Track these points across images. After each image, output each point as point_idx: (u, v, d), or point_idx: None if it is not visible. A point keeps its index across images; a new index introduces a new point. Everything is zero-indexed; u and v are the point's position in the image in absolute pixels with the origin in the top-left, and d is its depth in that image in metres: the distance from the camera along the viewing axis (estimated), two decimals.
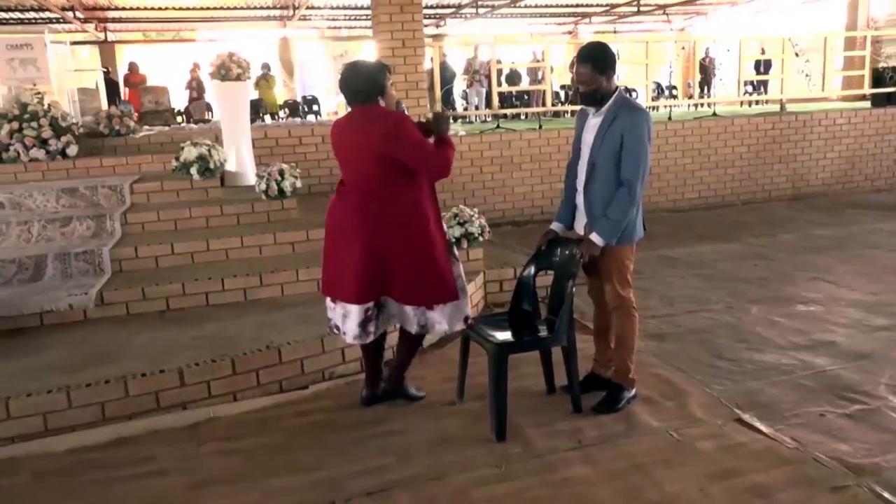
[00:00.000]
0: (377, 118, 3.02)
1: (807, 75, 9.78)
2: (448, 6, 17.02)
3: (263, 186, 5.48)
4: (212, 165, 5.79)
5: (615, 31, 22.13)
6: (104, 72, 12.92)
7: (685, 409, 3.31)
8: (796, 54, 9.70)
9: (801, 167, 9.06)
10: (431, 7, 16.71)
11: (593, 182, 3.14)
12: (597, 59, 3.08)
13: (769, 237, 6.92)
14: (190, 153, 5.75)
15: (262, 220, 5.47)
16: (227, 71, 6.29)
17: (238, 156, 6.47)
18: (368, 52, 22.21)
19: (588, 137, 3.18)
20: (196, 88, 14.70)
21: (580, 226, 3.28)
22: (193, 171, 5.74)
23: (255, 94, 13.89)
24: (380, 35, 6.95)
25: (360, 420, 3.33)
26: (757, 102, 13.01)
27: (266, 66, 14.61)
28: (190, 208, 5.38)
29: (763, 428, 3.09)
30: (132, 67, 15.03)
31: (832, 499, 2.59)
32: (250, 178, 6.40)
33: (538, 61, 15.15)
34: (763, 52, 13.38)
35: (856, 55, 11.71)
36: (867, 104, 10.16)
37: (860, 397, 3.40)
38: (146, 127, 8.71)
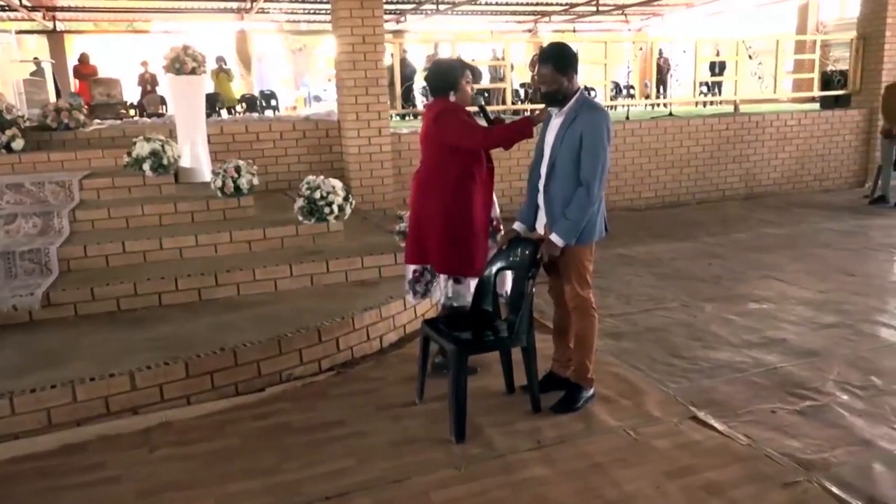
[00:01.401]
0: (435, 108, 3.52)
1: (759, 77, 10.00)
2: (409, 2, 16.96)
3: (219, 183, 5.37)
4: (165, 161, 5.65)
5: (574, 31, 22.34)
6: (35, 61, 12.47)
7: (642, 407, 3.34)
8: (750, 56, 9.91)
9: (753, 167, 9.27)
10: (392, 3, 16.63)
11: (553, 182, 3.15)
12: (558, 60, 3.08)
13: (723, 236, 7.06)
14: (143, 148, 5.60)
15: (218, 218, 5.36)
16: (182, 64, 6.14)
17: (193, 151, 6.33)
18: (329, 46, 22.01)
19: (549, 137, 3.18)
20: (149, 81, 14.35)
21: (541, 226, 3.29)
22: (146, 166, 5.60)
23: (211, 88, 13.63)
24: (339, 30, 6.86)
25: (319, 422, 3.28)
26: (711, 103, 13.27)
27: (222, 60, 14.34)
28: (142, 205, 5.24)
29: (717, 425, 3.14)
30: (83, 58, 14.59)
31: (784, 495, 2.64)
32: (206, 174, 6.27)
33: (498, 59, 15.22)
34: (718, 54, 13.67)
35: (805, 58, 12.05)
36: (816, 106, 10.45)
37: (810, 394, 3.49)
38: (97, 120, 8.45)
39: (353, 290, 4.56)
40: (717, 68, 14.18)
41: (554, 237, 3.09)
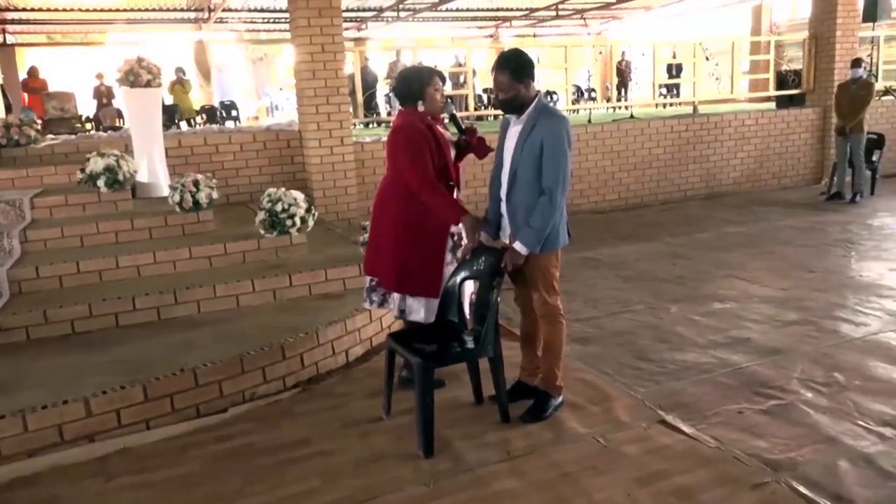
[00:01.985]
0: (398, 119, 3.44)
1: (716, 78, 10.16)
2: (369, 9, 16.89)
3: (177, 198, 5.24)
4: (121, 177, 5.50)
5: (535, 35, 22.48)
6: None
7: (611, 413, 3.33)
8: (706, 58, 10.06)
9: (713, 167, 9.39)
10: (352, 10, 16.54)
11: (515, 190, 3.13)
12: (514, 67, 3.06)
13: (686, 236, 7.12)
14: (97, 164, 5.45)
15: (177, 234, 5.23)
16: (136, 77, 6.00)
17: (150, 166, 6.18)
18: (289, 55, 21.83)
19: (509, 145, 3.16)
20: (105, 94, 14.05)
21: (506, 234, 3.26)
22: (101, 183, 5.44)
23: (170, 100, 13.39)
24: (298, 39, 6.78)
25: (283, 442, 3.20)
26: (671, 105, 13.43)
27: (180, 71, 14.10)
28: (97, 223, 5.09)
29: (685, 429, 3.15)
30: (31, 72, 14.24)
31: (753, 496, 2.65)
32: (164, 189, 6.12)
33: (460, 65, 15.24)
34: (674, 56, 13.86)
35: (761, 59, 12.29)
36: (772, 105, 10.65)
37: (775, 392, 3.51)
38: (50, 136, 8.23)
39: (317, 303, 4.49)
40: (675, 70, 14.41)
41: (518, 246, 3.07)
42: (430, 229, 3.37)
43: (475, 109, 10.00)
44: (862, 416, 3.24)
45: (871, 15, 10.15)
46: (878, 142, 8.99)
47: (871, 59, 10.70)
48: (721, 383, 3.64)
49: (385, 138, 8.04)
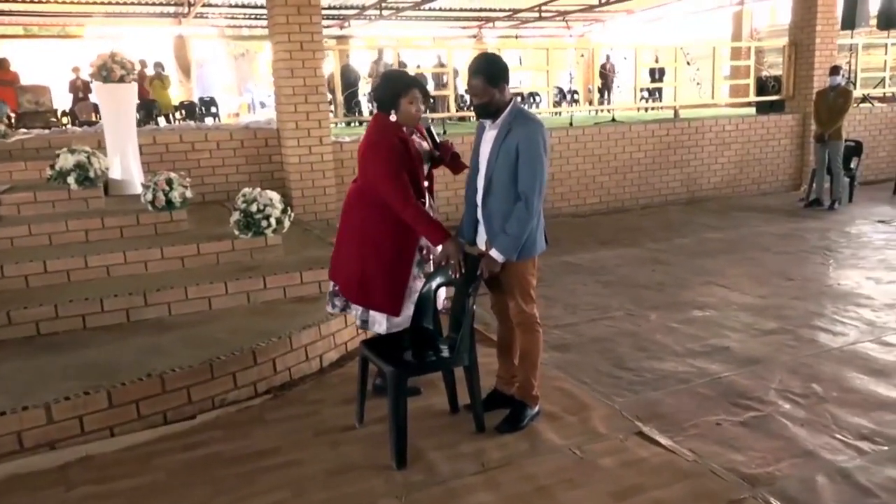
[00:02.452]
0: (372, 124, 3.32)
1: (698, 83, 10.19)
2: (352, 7, 16.77)
3: (150, 197, 5.13)
4: (92, 174, 5.38)
5: (517, 37, 22.47)
6: None
7: (588, 423, 3.28)
8: (688, 63, 10.09)
9: (694, 172, 9.41)
10: (335, 8, 16.42)
11: (491, 196, 3.07)
12: (488, 72, 3.00)
13: (666, 241, 7.12)
14: (66, 161, 5.32)
15: (149, 233, 5.12)
16: (109, 72, 5.86)
17: (123, 163, 6.05)
18: (270, 52, 21.61)
19: (485, 150, 3.10)
20: (81, 88, 13.80)
21: (482, 241, 3.20)
22: (71, 180, 5.31)
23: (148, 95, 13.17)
24: (276, 37, 6.67)
25: (253, 451, 3.11)
26: (652, 108, 13.48)
27: (159, 66, 13.87)
28: (66, 221, 4.96)
29: (663, 441, 3.10)
30: (2, 63, 13.90)
31: None
32: (137, 186, 5.98)
33: (443, 65, 15.16)
34: (657, 61, 13.90)
35: (741, 64, 12.36)
36: (752, 111, 10.71)
37: (753, 403, 3.48)
38: (22, 130, 8.05)
39: (291, 306, 4.40)
40: (657, 74, 14.45)
41: (494, 253, 3.00)
42: (395, 242, 3.25)
43: (457, 110, 9.92)
44: (840, 429, 3.21)
45: (849, 22, 10.25)
46: (856, 149, 9.06)
47: (850, 66, 10.81)
48: (699, 394, 3.61)
49: None
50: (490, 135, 3.06)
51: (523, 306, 3.13)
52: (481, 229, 3.20)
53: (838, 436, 3.16)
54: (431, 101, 15.18)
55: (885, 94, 11.24)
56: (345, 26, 18.93)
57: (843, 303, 5.03)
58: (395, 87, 3.25)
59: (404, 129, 3.29)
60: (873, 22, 11.42)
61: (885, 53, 11.08)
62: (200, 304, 4.33)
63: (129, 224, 5.09)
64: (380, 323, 3.40)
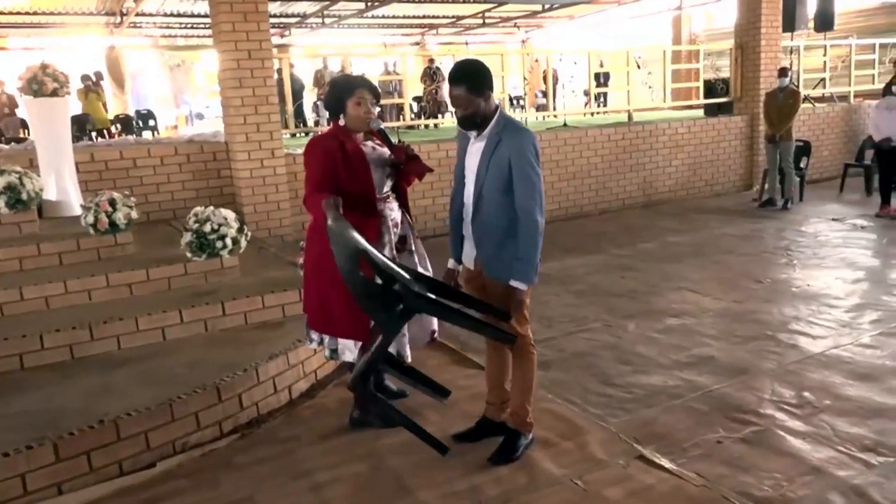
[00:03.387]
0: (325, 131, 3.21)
1: (650, 87, 10.22)
2: (293, 15, 16.38)
3: (91, 220, 4.72)
4: (24, 196, 4.95)
5: (467, 44, 22.39)
6: None
7: (585, 449, 3.08)
8: (638, 66, 10.11)
9: (649, 175, 9.41)
10: (275, 16, 15.98)
11: (481, 212, 2.84)
12: (471, 80, 2.77)
13: (631, 246, 7.03)
14: None
15: (91, 259, 4.72)
16: (41, 85, 5.44)
17: (59, 183, 5.62)
18: (208, 61, 20.94)
19: (472, 164, 2.87)
20: (7, 104, 13.00)
21: (469, 258, 2.97)
22: (1, 203, 4.87)
23: (79, 109, 12.48)
24: (222, 45, 6.32)
25: (222, 500, 2.80)
26: (601, 113, 13.47)
27: (88, 78, 13.14)
28: None
29: (666, 464, 2.93)
30: None
31: None
32: (75, 208, 5.57)
33: (389, 73, 14.92)
34: (601, 65, 13.95)
35: (687, 67, 12.50)
36: (699, 113, 10.81)
37: (750, 417, 3.36)
38: None
39: (254, 333, 4.08)
40: (602, 78, 14.53)
41: (515, 284, 2.77)
42: (326, 258, 2.85)
43: (410, 119, 9.70)
44: (842, 441, 3.11)
45: (789, 25, 10.45)
46: (804, 149, 9.22)
47: (792, 67, 11.03)
48: (694, 409, 3.46)
49: None
50: (477, 147, 2.84)
51: (517, 328, 2.92)
52: (468, 246, 2.97)
53: (841, 448, 3.05)
54: (380, 108, 14.96)
55: (823, 94, 11.53)
56: (286, 35, 18.49)
57: (816, 304, 5.00)
58: (340, 90, 3.10)
59: (357, 134, 3.10)
60: (811, 24, 11.72)
61: (824, 55, 11.38)
62: (153, 335, 3.97)
63: (68, 250, 4.67)
64: (351, 350, 3.16)
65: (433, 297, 2.59)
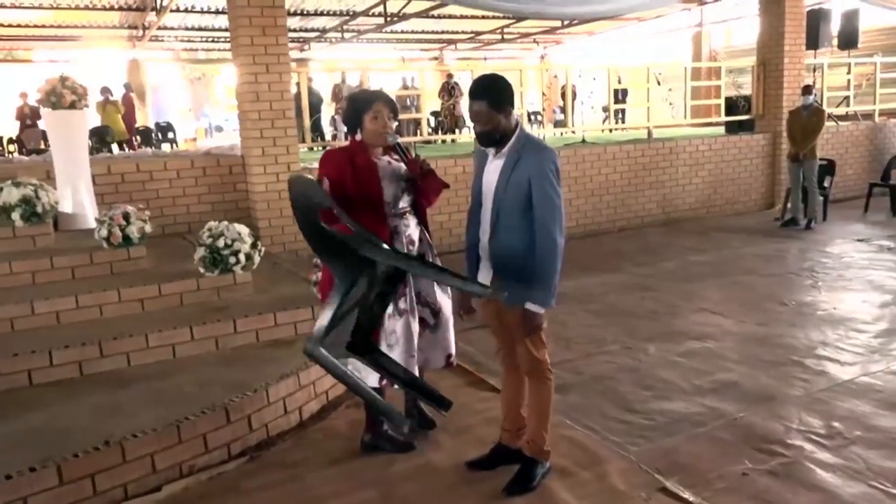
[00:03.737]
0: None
1: (671, 104, 10.10)
2: (313, 30, 16.46)
3: (104, 233, 4.68)
4: (39, 209, 4.93)
5: (485, 59, 22.38)
6: None
7: (605, 480, 2.96)
8: (658, 83, 10.00)
9: (669, 193, 9.28)
10: (295, 31, 16.07)
11: (499, 232, 2.75)
12: (493, 95, 2.70)
13: (650, 266, 6.90)
14: (10, 195, 4.86)
15: (104, 273, 4.67)
16: (59, 98, 5.45)
17: (75, 196, 5.61)
18: (228, 75, 21.11)
19: (490, 182, 2.78)
20: (29, 115, 13.15)
21: (485, 279, 2.88)
22: (16, 216, 4.85)
23: (98, 121, 12.57)
24: (240, 59, 6.31)
25: None
26: (620, 129, 13.36)
27: (108, 91, 13.24)
28: (10, 262, 4.47)
29: (691, 498, 2.80)
30: None
31: None
32: (90, 220, 5.54)
33: (407, 88, 14.93)
34: (619, 81, 13.82)
35: (707, 84, 12.38)
36: (720, 130, 10.67)
37: (777, 448, 3.22)
38: None
39: (265, 352, 4.00)
40: (620, 95, 14.42)
41: (532, 307, 2.69)
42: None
43: (429, 134, 9.66)
44: (875, 475, 2.96)
45: (812, 42, 10.31)
46: (828, 168, 9.04)
47: (815, 85, 10.86)
48: (718, 438, 3.32)
49: None
50: (496, 165, 2.76)
51: (534, 352, 2.82)
52: (483, 269, 2.88)
53: (875, 484, 2.90)
54: (398, 123, 14.93)
55: (847, 112, 11.35)
56: (305, 49, 18.59)
57: (843, 328, 4.84)
58: (357, 105, 3.08)
59: (375, 149, 3.06)
60: (835, 42, 11.56)
61: (848, 73, 11.21)
62: (163, 352, 3.91)
63: (81, 264, 4.63)
64: (364, 368, 3.02)
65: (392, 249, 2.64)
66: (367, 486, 2.96)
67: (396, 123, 3.14)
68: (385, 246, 2.65)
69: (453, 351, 3.26)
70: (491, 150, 2.80)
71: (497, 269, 2.78)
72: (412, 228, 3.14)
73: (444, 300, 3.21)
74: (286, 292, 4.65)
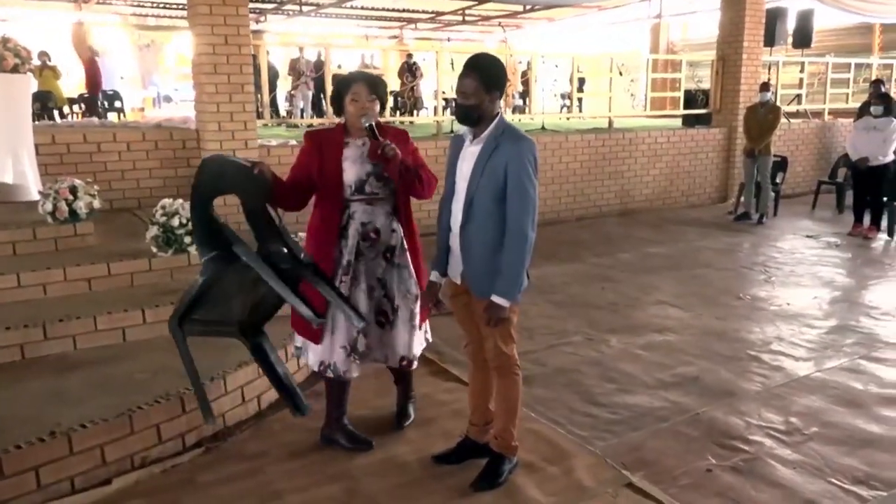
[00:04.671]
0: None
1: (632, 94, 10.15)
2: (270, 1, 15.99)
3: (49, 207, 4.43)
4: None
5: (448, 39, 22.16)
6: None
7: (572, 475, 2.94)
8: (620, 73, 10.04)
9: (627, 183, 9.34)
10: (252, 1, 15.58)
11: (471, 222, 2.67)
12: (485, 73, 2.59)
13: (609, 256, 6.94)
14: None
15: (48, 250, 4.42)
16: (1, 60, 5.09)
17: (16, 165, 5.27)
18: (179, 43, 20.37)
19: (465, 169, 2.70)
20: None
21: (455, 273, 2.80)
22: None
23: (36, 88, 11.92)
24: (198, 28, 6.04)
25: None
26: (575, 118, 13.38)
27: (44, 54, 12.53)
28: None
29: (657, 494, 2.80)
30: None
31: None
32: (33, 192, 5.25)
33: (367, 67, 14.67)
34: (579, 70, 13.85)
35: (665, 77, 12.51)
36: (676, 122, 10.79)
37: (739, 444, 3.25)
38: None
39: (221, 339, 3.82)
40: (578, 84, 14.46)
41: (497, 299, 2.61)
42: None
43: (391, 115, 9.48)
44: (833, 472, 3.01)
45: (769, 40, 10.50)
46: (781, 164, 9.24)
47: (770, 82, 11.08)
48: (681, 434, 3.34)
49: (292, 141, 7.42)
50: (472, 151, 2.66)
51: (502, 347, 2.75)
52: (454, 259, 2.80)
53: (833, 480, 2.96)
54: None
55: (797, 110, 11.62)
56: (261, 20, 18.07)
57: (797, 324, 4.94)
58: (338, 87, 3.01)
59: (360, 131, 2.94)
60: (790, 40, 11.81)
61: (801, 71, 11.46)
62: (113, 336, 3.72)
63: (23, 239, 4.38)
64: (313, 350, 3.05)
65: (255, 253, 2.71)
66: (330, 481, 2.87)
67: (379, 103, 2.99)
68: (254, 250, 2.73)
69: (408, 354, 3.07)
70: (468, 136, 2.71)
71: (465, 258, 2.70)
72: (377, 217, 2.98)
73: (404, 302, 3.04)
74: None
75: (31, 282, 3.96)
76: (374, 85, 2.95)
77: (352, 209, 2.95)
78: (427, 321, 3.21)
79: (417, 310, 3.05)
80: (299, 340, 3.13)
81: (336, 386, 3.07)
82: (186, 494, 2.78)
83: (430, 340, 3.30)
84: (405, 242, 3.04)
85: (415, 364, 3.13)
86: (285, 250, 2.69)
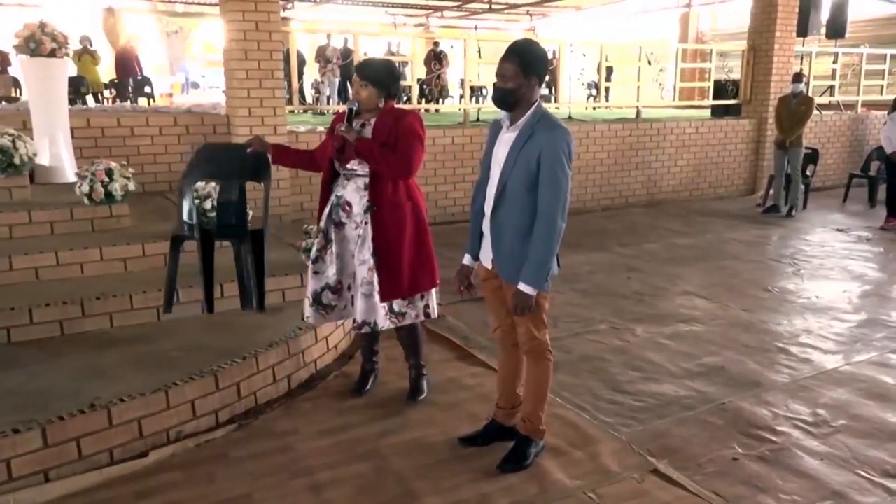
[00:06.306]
0: None
1: (660, 84, 10.06)
2: None
3: (86, 189, 4.53)
4: (17, 160, 4.75)
5: (476, 27, 22.07)
6: None
7: (597, 460, 2.97)
8: (649, 63, 9.95)
9: (654, 173, 9.29)
10: None
11: (502, 207, 2.69)
12: (526, 57, 2.60)
13: (635, 246, 6.92)
14: None
15: (85, 230, 4.53)
16: (38, 44, 5.22)
17: (52, 148, 5.42)
18: (206, 30, 20.53)
19: (499, 155, 2.72)
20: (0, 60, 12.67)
21: (487, 258, 2.82)
22: None
23: (74, 72, 12.15)
24: (229, 14, 6.10)
25: (220, 499, 2.66)
26: (603, 107, 13.26)
27: (87, 40, 12.81)
28: None
29: (682, 481, 2.82)
30: None
31: None
32: (69, 174, 5.39)
33: (392, 54, 14.66)
34: (606, 59, 13.72)
35: (695, 67, 12.37)
36: (705, 113, 10.68)
37: (765, 434, 3.25)
38: None
39: (252, 318, 3.90)
40: (606, 72, 14.32)
41: (524, 288, 2.62)
42: None
43: (418, 102, 9.49)
44: (861, 464, 3.00)
45: (802, 30, 10.33)
46: (812, 156, 9.11)
47: (803, 73, 10.91)
48: (707, 423, 3.34)
49: (319, 128, 7.48)
50: (508, 137, 2.68)
51: (535, 332, 2.78)
52: (485, 244, 2.83)
53: (861, 472, 2.95)
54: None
55: (830, 101, 11.44)
56: (288, 7, 18.16)
57: (826, 317, 4.90)
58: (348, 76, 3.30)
59: (367, 114, 3.20)
60: (823, 31, 11.60)
61: (834, 62, 11.27)
62: (148, 314, 3.81)
63: (61, 219, 4.48)
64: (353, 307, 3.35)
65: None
66: (359, 460, 2.92)
67: (371, 88, 3.10)
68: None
69: (366, 319, 3.19)
70: (506, 122, 2.73)
71: (496, 243, 2.72)
72: (350, 191, 3.19)
73: (359, 269, 3.19)
74: (273, 258, 4.51)
75: (69, 260, 4.06)
76: (367, 71, 3.13)
77: (337, 182, 3.26)
78: (431, 296, 3.31)
79: (375, 280, 3.13)
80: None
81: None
82: (220, 468, 2.85)
83: (434, 315, 3.38)
84: (372, 217, 3.12)
85: (367, 329, 3.22)
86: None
